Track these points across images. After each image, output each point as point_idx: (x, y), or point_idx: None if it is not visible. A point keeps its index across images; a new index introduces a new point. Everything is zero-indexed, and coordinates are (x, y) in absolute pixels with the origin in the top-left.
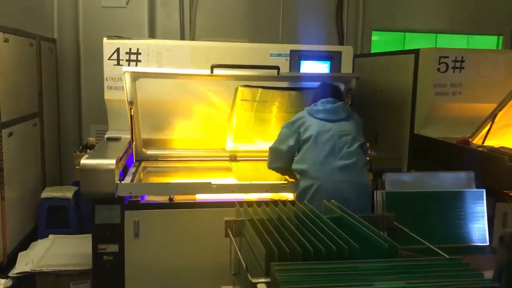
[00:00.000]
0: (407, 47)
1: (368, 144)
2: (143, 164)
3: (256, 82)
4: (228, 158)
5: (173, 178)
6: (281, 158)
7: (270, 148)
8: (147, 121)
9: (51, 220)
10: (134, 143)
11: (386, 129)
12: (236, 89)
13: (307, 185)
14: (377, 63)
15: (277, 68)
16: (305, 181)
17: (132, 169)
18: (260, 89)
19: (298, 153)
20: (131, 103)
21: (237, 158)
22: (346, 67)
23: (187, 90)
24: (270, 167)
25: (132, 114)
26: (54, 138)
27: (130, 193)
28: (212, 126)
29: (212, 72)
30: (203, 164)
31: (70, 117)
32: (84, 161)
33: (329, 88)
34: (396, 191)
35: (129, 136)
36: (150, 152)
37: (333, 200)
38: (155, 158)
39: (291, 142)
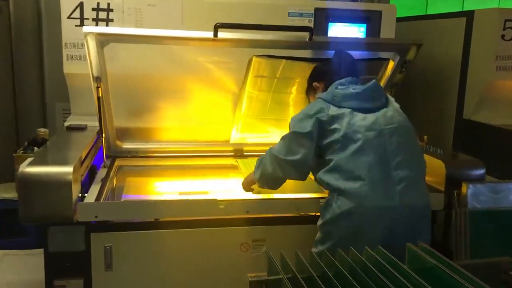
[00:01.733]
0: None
1: (425, 137)
2: (117, 162)
3: (273, 51)
4: (232, 154)
5: (159, 180)
6: (295, 166)
7: (276, 159)
8: (123, 104)
9: (1, 227)
10: (104, 134)
11: (420, 113)
12: (250, 61)
13: (347, 209)
14: (412, 29)
15: (310, 30)
16: (344, 202)
17: (101, 171)
18: (284, 61)
19: (323, 157)
20: (98, 79)
21: (244, 153)
22: (387, 32)
23: (178, 62)
24: (265, 177)
25: (101, 94)
26: (8, 121)
27: (96, 217)
28: (212, 111)
29: (216, 35)
30: (199, 161)
31: (29, 95)
32: (25, 168)
33: (349, 60)
34: (486, 208)
35: (97, 124)
36: (127, 145)
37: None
38: (134, 154)
39: (313, 141)
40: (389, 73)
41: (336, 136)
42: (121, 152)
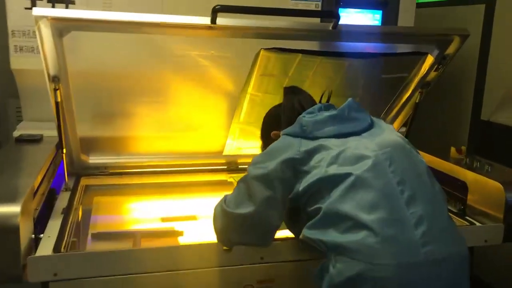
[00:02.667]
0: None
1: (463, 148)
2: (83, 181)
3: (282, 43)
4: (225, 167)
5: (136, 202)
6: (254, 227)
7: (225, 214)
8: (88, 109)
9: None
10: (65, 147)
11: (429, 113)
12: (257, 55)
13: (353, 274)
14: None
15: (335, 15)
16: (347, 265)
17: (62, 196)
18: (300, 55)
19: (305, 209)
20: (55, 79)
21: (239, 167)
22: (406, 19)
23: (161, 57)
24: (218, 236)
25: (60, 99)
26: None
27: (55, 275)
28: (202, 117)
29: (214, 21)
30: (185, 178)
31: None
32: None
33: (307, 96)
34: None
35: (56, 133)
36: (94, 160)
37: None
38: (103, 171)
39: (278, 187)
40: (425, 71)
41: (315, 176)
42: (87, 168)
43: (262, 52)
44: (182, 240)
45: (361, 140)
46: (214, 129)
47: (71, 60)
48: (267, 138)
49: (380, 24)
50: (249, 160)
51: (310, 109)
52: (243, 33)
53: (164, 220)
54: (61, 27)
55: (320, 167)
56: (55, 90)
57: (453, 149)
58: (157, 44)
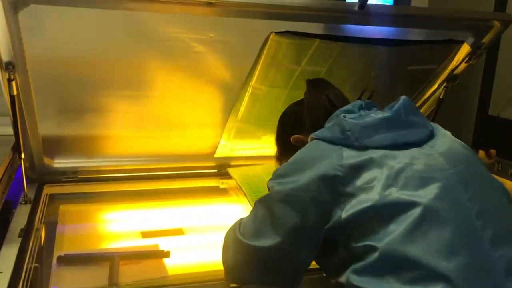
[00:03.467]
0: None
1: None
2: (46, 190)
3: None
4: (216, 170)
5: (112, 213)
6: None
7: (240, 245)
8: (52, 103)
9: None
10: (23, 149)
11: None
12: (266, 40)
13: None
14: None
15: None
16: None
17: (20, 211)
18: (317, 41)
19: (349, 244)
20: (10, 66)
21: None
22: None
23: (144, 40)
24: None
25: (15, 92)
26: None
27: None
28: (191, 113)
29: None
30: (169, 184)
31: None
32: None
33: (336, 90)
34: None
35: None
36: (60, 163)
37: None
38: (71, 176)
39: (311, 212)
40: (457, 62)
41: (366, 202)
42: (52, 174)
43: (272, 36)
44: (169, 263)
45: (424, 154)
46: (205, 127)
47: (29, 43)
48: (284, 144)
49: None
50: (243, 163)
51: (347, 107)
52: (249, 13)
53: (145, 235)
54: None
55: (372, 190)
56: (10, 80)
57: (481, 153)
58: (140, 24)
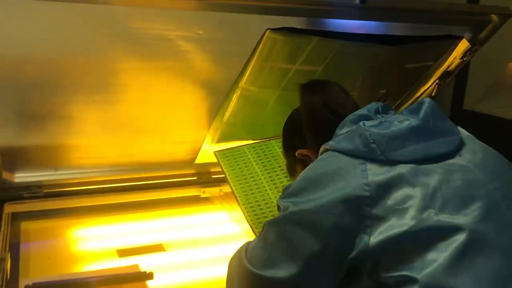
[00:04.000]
0: None
1: None
2: (8, 208)
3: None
4: (196, 178)
5: (83, 230)
6: None
7: (247, 275)
8: (9, 109)
9: None
10: None
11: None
12: (261, 38)
13: None
14: None
15: None
16: None
17: None
18: (316, 38)
19: (377, 274)
20: None
21: (212, 177)
22: None
23: (117, 36)
24: None
25: None
26: None
27: None
28: (167, 116)
29: None
30: (145, 196)
31: None
32: None
33: (317, 85)
34: None
35: None
36: (22, 178)
37: None
38: (36, 192)
39: (333, 237)
40: (454, 58)
41: (400, 227)
42: (12, 189)
43: (267, 33)
44: (153, 285)
45: (460, 167)
46: (185, 132)
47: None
48: (292, 158)
49: None
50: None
51: (362, 112)
52: (243, 7)
53: (122, 254)
54: None
55: (406, 213)
56: None
57: None
58: (115, 20)
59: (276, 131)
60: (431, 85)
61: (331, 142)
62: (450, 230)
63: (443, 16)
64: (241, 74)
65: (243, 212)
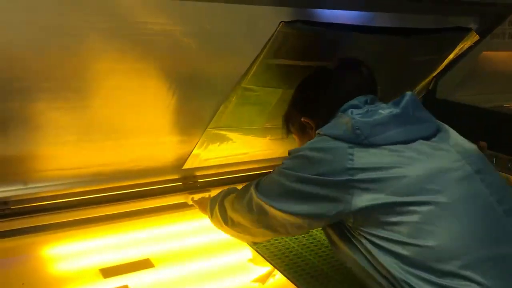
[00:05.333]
0: None
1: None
2: None
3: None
4: (181, 183)
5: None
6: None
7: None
8: None
9: None
10: None
11: None
12: (275, 31)
13: None
14: None
15: None
16: None
17: None
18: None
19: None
20: None
21: (198, 181)
22: None
23: (118, 33)
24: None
25: None
26: None
27: None
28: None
29: None
30: (126, 207)
31: None
32: None
33: (368, 75)
34: None
35: None
36: None
37: None
38: (2, 209)
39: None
40: (460, 51)
41: (379, 199)
42: None
43: (281, 26)
44: None
45: (436, 147)
46: (175, 135)
47: None
48: (293, 116)
49: None
50: (212, 172)
51: (353, 102)
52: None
53: (107, 274)
54: None
55: (385, 189)
56: None
57: None
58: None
59: (274, 135)
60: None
61: (323, 128)
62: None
63: (453, 6)
64: (249, 71)
65: None
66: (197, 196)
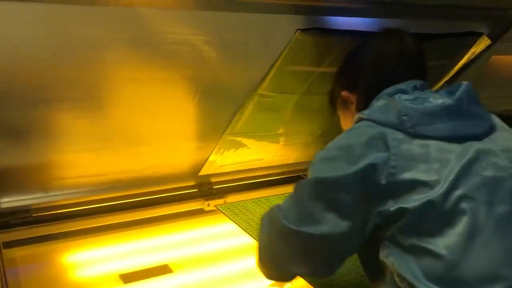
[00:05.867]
0: None
1: None
2: None
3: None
4: (197, 190)
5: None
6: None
7: (275, 225)
8: None
9: None
10: None
11: None
12: (289, 39)
13: None
14: None
15: None
16: None
17: None
18: (346, 38)
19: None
20: None
21: (214, 187)
22: None
23: (130, 39)
24: (262, 261)
25: None
26: None
27: None
28: (168, 127)
29: None
30: (144, 213)
31: None
32: None
33: (413, 49)
34: None
35: None
36: (8, 202)
37: None
38: (23, 217)
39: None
40: (472, 55)
41: (421, 197)
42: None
43: (297, 34)
44: None
45: (486, 149)
46: (193, 142)
47: None
48: (336, 96)
49: None
50: (228, 178)
51: (400, 86)
52: (272, 7)
53: (126, 279)
54: None
55: (426, 186)
56: None
57: None
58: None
59: (288, 140)
60: (442, 83)
61: (365, 112)
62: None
63: (465, 12)
64: (265, 79)
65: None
66: (213, 202)
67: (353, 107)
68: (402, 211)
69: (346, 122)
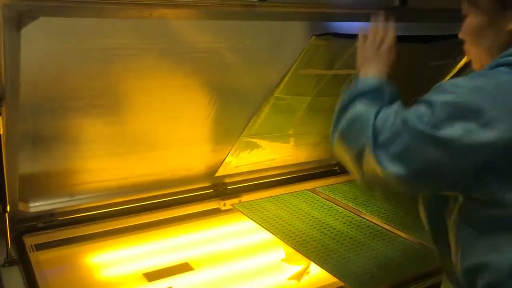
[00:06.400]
0: None
1: None
2: (28, 241)
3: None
4: (212, 190)
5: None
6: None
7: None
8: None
9: None
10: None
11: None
12: (307, 44)
13: None
14: None
15: None
16: None
17: (8, 277)
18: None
19: None
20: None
21: (228, 188)
22: None
23: (170, 52)
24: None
25: (2, 130)
26: None
27: None
28: (186, 132)
29: None
30: (164, 214)
31: None
32: None
33: None
34: None
35: None
36: (36, 207)
37: None
38: (50, 221)
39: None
40: None
41: None
42: (27, 220)
43: (312, 39)
44: None
45: None
46: (210, 145)
47: (27, 66)
48: (493, 21)
49: None
50: (242, 179)
51: None
52: (290, 15)
53: (151, 278)
54: (23, 11)
55: None
56: None
57: None
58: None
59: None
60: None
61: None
62: None
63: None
64: (281, 82)
65: None
66: (228, 202)
67: (499, 40)
68: None
69: (478, 51)
